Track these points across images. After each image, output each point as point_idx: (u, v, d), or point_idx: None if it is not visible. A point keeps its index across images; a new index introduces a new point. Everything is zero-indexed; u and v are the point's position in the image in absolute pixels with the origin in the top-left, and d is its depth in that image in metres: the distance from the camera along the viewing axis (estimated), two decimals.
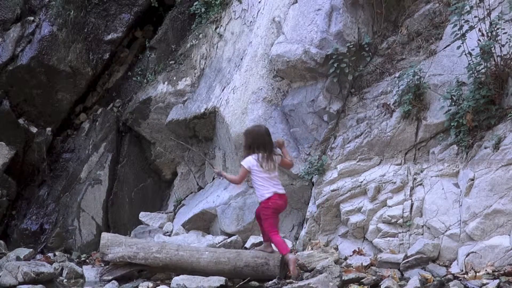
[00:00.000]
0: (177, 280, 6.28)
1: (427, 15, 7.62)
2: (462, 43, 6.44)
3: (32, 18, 9.33)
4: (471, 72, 6.51)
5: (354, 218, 7.05)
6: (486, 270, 5.83)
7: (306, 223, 7.43)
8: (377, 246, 6.84)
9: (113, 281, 6.57)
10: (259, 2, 8.52)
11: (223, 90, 8.38)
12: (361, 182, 7.09)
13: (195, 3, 9.30)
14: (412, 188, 6.85)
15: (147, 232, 8.47)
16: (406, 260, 6.34)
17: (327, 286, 5.65)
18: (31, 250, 8.21)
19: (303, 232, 7.44)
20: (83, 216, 8.86)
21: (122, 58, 9.90)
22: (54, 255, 8.34)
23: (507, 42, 6.45)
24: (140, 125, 9.29)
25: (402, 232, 6.73)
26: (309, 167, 7.39)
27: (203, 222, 8.39)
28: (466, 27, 6.44)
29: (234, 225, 7.87)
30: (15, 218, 9.09)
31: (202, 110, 8.55)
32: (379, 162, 7.16)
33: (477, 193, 6.21)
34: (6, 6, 9.34)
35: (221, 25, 9.00)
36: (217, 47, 8.93)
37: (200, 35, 9.17)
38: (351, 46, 7.34)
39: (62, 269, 7.21)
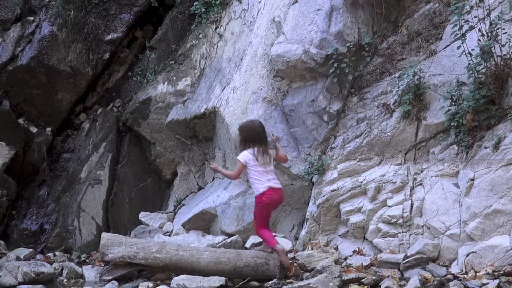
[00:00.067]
0: (177, 280, 6.28)
1: (427, 15, 7.61)
2: (462, 43, 6.44)
3: (32, 18, 9.33)
4: (471, 72, 6.51)
5: (354, 218, 7.05)
6: (486, 270, 5.83)
7: (306, 223, 7.43)
8: (377, 246, 6.84)
9: (113, 281, 6.57)
10: (259, 2, 8.52)
11: (223, 90, 8.38)
12: (361, 182, 7.09)
13: (195, 3, 9.30)
14: (412, 188, 6.85)
15: (147, 232, 8.47)
16: (406, 260, 6.34)
17: (327, 286, 5.65)
18: (31, 250, 8.21)
19: (303, 232, 7.44)
20: (83, 216, 8.86)
21: (122, 58, 9.90)
22: (54, 255, 8.34)
23: (507, 42, 6.45)
24: (140, 125, 9.29)
25: (402, 232, 6.73)
26: (309, 167, 7.39)
27: (203, 222, 8.40)
28: (466, 27, 6.44)
29: (234, 225, 7.87)
30: (15, 218, 9.09)
31: (202, 110, 8.56)
32: (379, 162, 7.16)
33: (477, 193, 6.21)
34: (6, 6, 9.34)
35: (221, 25, 9.00)
36: (217, 47, 8.94)
37: (200, 35, 9.17)
38: (351, 46, 7.34)
39: (62, 269, 7.21)
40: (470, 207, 6.23)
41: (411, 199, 6.79)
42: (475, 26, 6.45)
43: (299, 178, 7.52)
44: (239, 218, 7.86)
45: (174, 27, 9.57)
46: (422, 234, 6.61)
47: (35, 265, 6.72)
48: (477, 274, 5.80)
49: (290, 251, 7.08)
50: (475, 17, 6.47)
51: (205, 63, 9.02)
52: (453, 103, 6.63)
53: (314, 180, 7.42)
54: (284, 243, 7.26)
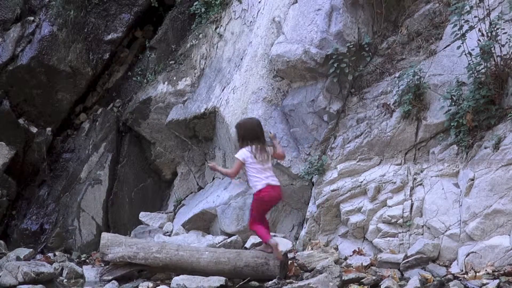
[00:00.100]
0: (177, 280, 6.28)
1: (427, 15, 7.61)
2: (462, 43, 6.44)
3: (32, 18, 9.33)
4: (471, 72, 6.51)
5: (354, 218, 7.05)
6: (486, 270, 5.83)
7: (306, 223, 7.43)
8: (377, 246, 6.84)
9: (113, 281, 6.56)
10: (259, 2, 8.52)
11: (223, 90, 8.38)
12: (361, 182, 7.09)
13: (195, 3, 9.30)
14: (412, 188, 6.85)
15: (147, 232, 8.46)
16: (406, 260, 6.34)
17: (327, 286, 5.65)
18: (31, 250, 8.22)
19: (303, 232, 7.44)
20: (83, 216, 8.86)
21: (122, 58, 9.90)
22: (54, 255, 8.34)
23: (507, 42, 6.45)
24: (140, 125, 9.29)
25: (402, 232, 6.73)
26: (309, 167, 7.39)
27: (203, 222, 8.40)
28: (466, 27, 6.44)
29: (234, 225, 7.87)
30: (15, 218, 9.09)
31: (202, 110, 8.55)
32: (379, 162, 7.16)
33: (477, 193, 6.21)
34: (6, 6, 9.34)
35: (221, 25, 9.00)
36: (217, 47, 8.94)
37: (200, 35, 9.17)
38: (351, 46, 7.34)
39: (62, 269, 7.21)
40: (470, 207, 6.23)
41: (411, 199, 6.79)
42: (475, 26, 6.45)
43: (299, 178, 7.52)
44: (239, 218, 7.86)
45: (174, 27, 9.57)
46: (422, 234, 6.61)
47: (35, 265, 6.72)
48: (477, 274, 5.80)
49: (290, 251, 7.08)
50: (475, 17, 6.47)
51: (205, 63, 9.02)
52: (453, 103, 6.63)
53: (314, 180, 7.42)
54: (284, 243, 7.27)
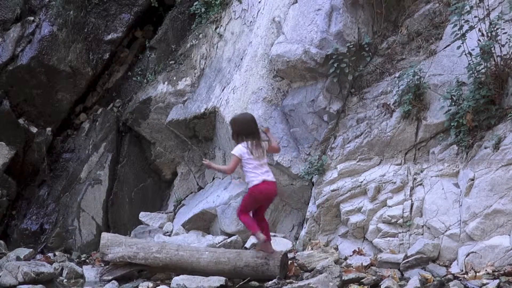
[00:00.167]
0: (177, 280, 6.28)
1: (427, 15, 7.61)
2: (462, 43, 6.44)
3: (32, 18, 9.33)
4: (471, 72, 6.51)
5: (354, 218, 7.05)
6: (486, 270, 5.83)
7: (306, 223, 7.43)
8: (377, 246, 6.84)
9: (113, 281, 6.57)
10: (259, 2, 8.52)
11: (223, 90, 8.38)
12: (361, 182, 7.09)
13: (195, 3, 9.30)
14: (412, 188, 6.85)
15: (147, 232, 8.46)
16: (406, 260, 6.34)
17: (327, 286, 5.65)
18: (31, 250, 8.22)
19: (303, 232, 7.44)
20: (83, 216, 8.86)
21: (122, 58, 9.90)
22: (54, 255, 8.34)
23: (507, 42, 6.45)
24: (140, 125, 9.29)
25: (402, 232, 6.73)
26: (309, 167, 7.39)
27: (203, 222, 8.39)
28: (466, 27, 6.44)
29: (234, 225, 7.87)
30: (15, 218, 9.09)
31: (202, 110, 8.55)
32: (379, 162, 7.16)
33: (477, 193, 6.21)
34: (6, 6, 9.34)
35: (221, 25, 9.00)
36: (217, 47, 8.93)
37: (200, 35, 9.17)
38: (351, 46, 7.34)
39: (62, 269, 7.21)
40: (470, 207, 6.23)
41: (411, 199, 6.79)
42: (475, 26, 6.45)
43: (299, 178, 7.52)
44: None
45: (174, 27, 9.57)
46: (422, 234, 6.61)
47: (35, 265, 6.73)
48: (477, 274, 5.80)
49: (290, 251, 7.08)
50: (475, 17, 6.47)
51: (205, 63, 9.02)
52: (453, 103, 6.63)
53: (314, 180, 7.42)
54: (284, 243, 7.28)
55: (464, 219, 6.29)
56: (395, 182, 6.90)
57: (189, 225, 8.41)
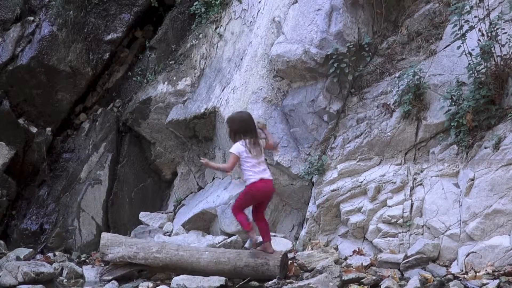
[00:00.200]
0: (177, 280, 6.28)
1: (427, 15, 7.61)
2: (462, 43, 6.44)
3: (32, 18, 9.33)
4: (471, 72, 6.51)
5: (354, 218, 7.05)
6: (486, 270, 5.83)
7: (306, 223, 7.43)
8: (377, 246, 6.84)
9: (113, 281, 6.57)
10: (259, 2, 8.52)
11: (223, 90, 8.38)
12: (361, 182, 7.09)
13: (195, 3, 9.30)
14: (412, 188, 6.85)
15: (147, 232, 8.46)
16: (406, 260, 6.34)
17: (327, 286, 5.65)
18: (31, 250, 8.21)
19: (303, 232, 7.44)
20: (83, 216, 8.85)
21: (122, 58, 9.90)
22: (54, 255, 8.33)
23: (507, 42, 6.45)
24: (140, 125, 9.29)
25: (402, 232, 6.73)
26: (309, 167, 7.39)
27: (203, 222, 8.39)
28: (466, 27, 6.44)
29: (234, 225, 7.86)
30: (15, 218, 9.09)
31: (202, 110, 8.55)
32: (379, 162, 7.16)
33: (477, 193, 6.21)
34: (6, 6, 9.33)
35: (221, 25, 9.00)
36: (217, 47, 8.93)
37: (200, 35, 9.17)
38: (351, 46, 7.34)
39: (62, 269, 7.21)
40: (470, 207, 6.23)
41: (411, 199, 6.79)
42: (475, 26, 6.45)
43: (299, 178, 7.52)
44: None
45: (174, 27, 9.57)
46: (422, 234, 6.61)
47: (35, 265, 6.73)
48: (477, 274, 5.80)
49: (290, 251, 7.08)
50: (475, 17, 6.47)
51: (205, 63, 9.02)
52: (453, 103, 6.63)
53: (314, 180, 7.42)
54: (284, 243, 7.28)
55: (464, 219, 6.29)
56: (395, 182, 6.90)
57: (189, 225, 8.41)
